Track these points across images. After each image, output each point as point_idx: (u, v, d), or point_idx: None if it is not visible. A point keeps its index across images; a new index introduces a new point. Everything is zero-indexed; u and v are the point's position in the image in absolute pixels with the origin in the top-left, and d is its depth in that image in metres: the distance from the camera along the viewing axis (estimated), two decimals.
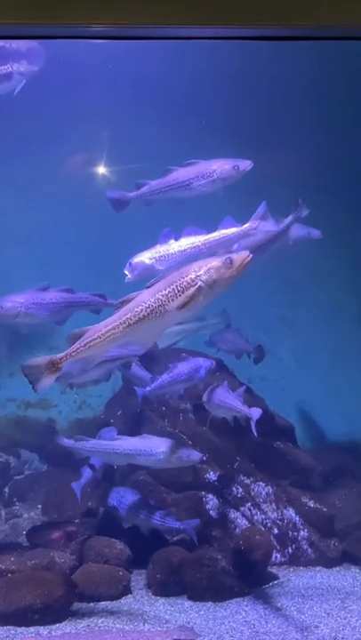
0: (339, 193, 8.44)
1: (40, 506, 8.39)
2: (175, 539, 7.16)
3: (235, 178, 6.37)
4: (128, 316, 4.62)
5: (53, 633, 5.88)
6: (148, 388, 7.32)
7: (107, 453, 6.90)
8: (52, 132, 8.72)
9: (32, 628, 5.95)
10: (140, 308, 4.61)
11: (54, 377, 4.73)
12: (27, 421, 9.45)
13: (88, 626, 6.02)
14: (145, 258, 6.53)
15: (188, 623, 6.04)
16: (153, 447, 6.72)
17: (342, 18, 3.89)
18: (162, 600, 6.60)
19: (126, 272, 6.61)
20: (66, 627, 6.02)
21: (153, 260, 6.50)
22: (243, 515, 7.48)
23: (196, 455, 6.75)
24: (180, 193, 6.55)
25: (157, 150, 7.16)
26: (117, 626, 6.02)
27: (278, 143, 7.02)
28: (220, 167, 6.23)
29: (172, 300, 4.55)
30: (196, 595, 6.58)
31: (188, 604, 6.51)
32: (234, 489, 7.60)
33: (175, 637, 5.69)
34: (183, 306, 4.52)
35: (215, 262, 4.52)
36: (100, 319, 4.86)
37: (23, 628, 5.95)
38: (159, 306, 4.58)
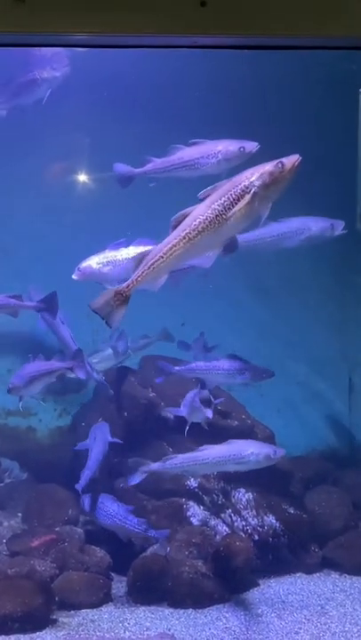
0: (316, 199, 8.47)
1: (20, 514, 8.35)
2: (152, 548, 7.14)
3: (240, 159, 6.32)
4: (188, 231, 4.50)
5: None
6: (177, 368, 7.35)
7: (198, 465, 6.87)
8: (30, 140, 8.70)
9: (12, 637, 5.94)
10: (199, 221, 4.49)
11: (124, 308, 4.62)
12: (6, 429, 9.40)
13: (68, 634, 6.02)
14: (93, 262, 6.75)
15: (169, 630, 6.05)
16: (242, 451, 6.76)
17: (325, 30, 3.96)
18: (142, 607, 6.60)
19: (74, 276, 6.80)
20: (46, 635, 6.00)
21: (100, 265, 6.71)
22: (223, 521, 7.50)
23: (281, 451, 6.84)
24: (183, 173, 6.55)
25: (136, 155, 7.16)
26: (98, 634, 6.02)
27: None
28: (225, 148, 6.16)
29: (229, 208, 4.46)
30: (177, 601, 6.59)
31: (168, 610, 6.51)
32: (214, 496, 7.62)
33: None
34: (240, 213, 4.45)
35: (267, 167, 4.44)
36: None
37: (3, 636, 5.93)
38: (217, 216, 4.47)
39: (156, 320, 9.07)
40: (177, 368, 7.45)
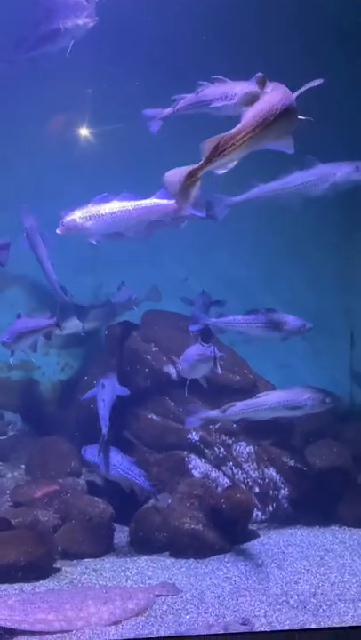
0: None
1: (23, 466, 8.44)
2: (154, 499, 7.21)
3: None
4: (255, 124, 4.38)
5: (37, 589, 5.96)
6: (213, 320, 7.40)
7: (256, 412, 7.00)
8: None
9: (16, 585, 6.02)
10: (262, 116, 4.37)
11: (195, 189, 4.53)
12: (9, 383, 9.45)
13: (71, 583, 6.11)
14: (76, 216, 6.73)
15: (170, 579, 6.13)
16: (299, 396, 6.94)
17: None
18: (144, 557, 6.70)
19: (58, 231, 6.81)
20: (49, 583, 6.09)
21: (84, 220, 6.70)
22: (224, 474, 7.57)
23: (334, 396, 7.05)
24: (207, 111, 6.44)
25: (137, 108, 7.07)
26: (100, 582, 6.11)
27: None
28: (242, 90, 6.00)
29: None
30: (178, 552, 6.69)
31: (170, 560, 6.61)
32: (216, 449, 7.68)
33: (157, 593, 5.79)
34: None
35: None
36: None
37: (7, 584, 6.02)
38: (291, 103, 4.42)
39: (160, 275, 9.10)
40: (213, 320, 7.45)
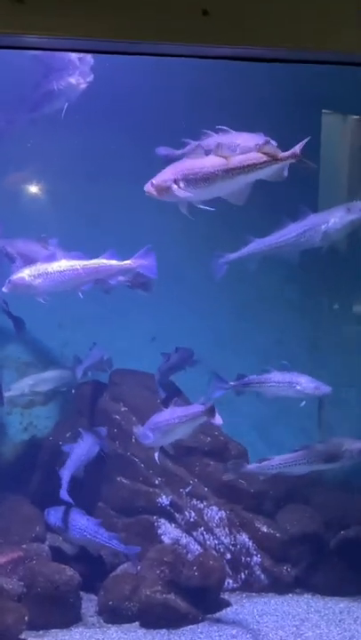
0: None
1: None
2: (123, 566, 7.00)
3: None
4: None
5: None
6: (233, 383, 7.38)
7: (293, 466, 7.04)
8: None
9: None
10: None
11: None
12: None
13: None
14: (25, 274, 6.63)
15: None
16: (336, 448, 7.10)
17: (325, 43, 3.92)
18: (114, 628, 6.46)
19: (4, 289, 6.69)
20: None
21: (32, 278, 6.60)
22: (195, 540, 7.39)
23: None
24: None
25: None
26: None
27: None
28: (243, 142, 5.90)
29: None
30: (150, 622, 6.46)
31: (141, 631, 6.38)
32: (187, 513, 7.50)
33: None
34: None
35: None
36: None
37: None
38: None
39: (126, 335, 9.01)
40: (232, 383, 7.38)
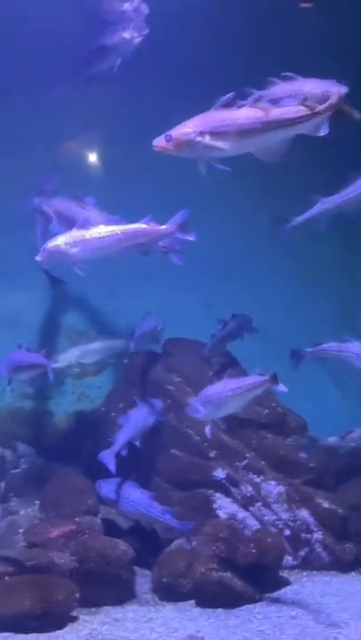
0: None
1: (37, 502, 7.97)
2: (177, 541, 6.77)
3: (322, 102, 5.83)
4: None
5: None
6: (310, 349, 7.13)
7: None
8: None
9: (30, 636, 5.56)
10: None
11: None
12: (23, 413, 9.04)
13: (90, 634, 5.62)
14: (60, 242, 6.19)
15: (198, 632, 5.63)
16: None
17: None
18: (169, 606, 6.23)
19: (38, 258, 6.25)
20: (67, 634, 5.62)
21: (68, 246, 6.15)
22: (253, 515, 7.10)
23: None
24: None
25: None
26: (122, 634, 5.62)
27: None
28: (313, 88, 5.34)
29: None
30: (205, 600, 6.20)
31: (196, 610, 6.13)
32: (243, 487, 7.21)
33: None
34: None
35: None
36: None
37: (21, 635, 5.55)
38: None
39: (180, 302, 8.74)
40: (309, 349, 7.09)
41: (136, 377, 8.10)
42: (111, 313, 9.27)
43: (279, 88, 5.28)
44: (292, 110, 4.83)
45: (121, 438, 6.97)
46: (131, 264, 7.11)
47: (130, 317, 8.79)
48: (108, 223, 6.19)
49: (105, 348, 8.39)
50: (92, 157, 8.93)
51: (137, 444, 7.11)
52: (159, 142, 4.90)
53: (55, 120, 8.46)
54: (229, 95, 4.92)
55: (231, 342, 8.01)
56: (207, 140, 4.82)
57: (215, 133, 4.82)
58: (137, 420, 7.18)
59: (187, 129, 4.86)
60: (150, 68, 7.91)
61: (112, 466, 6.83)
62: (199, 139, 4.83)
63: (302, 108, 4.83)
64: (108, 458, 6.87)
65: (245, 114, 4.84)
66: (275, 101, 5.02)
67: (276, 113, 4.83)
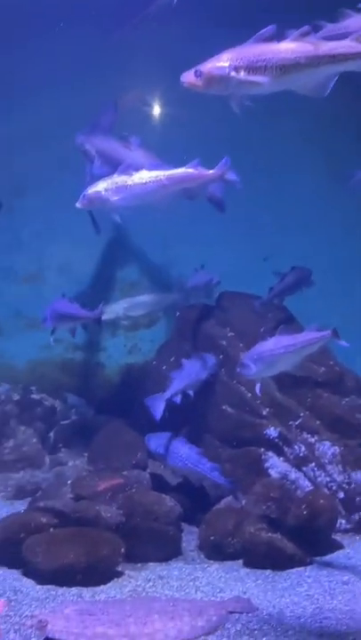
0: None
1: (86, 454, 7.90)
2: (226, 499, 6.61)
3: None
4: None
5: (97, 597, 5.37)
6: None
7: None
8: None
9: (73, 589, 5.46)
10: None
11: None
12: (73, 364, 8.96)
13: (135, 591, 5.50)
14: (101, 188, 5.94)
15: (245, 593, 5.46)
16: None
17: None
18: (215, 565, 6.06)
19: (78, 204, 6.05)
20: (110, 590, 5.51)
21: (109, 192, 5.92)
22: (305, 476, 6.87)
23: None
24: None
25: None
26: (167, 592, 5.49)
27: None
28: None
29: None
30: (253, 561, 6.00)
31: (244, 571, 5.94)
32: (296, 447, 6.97)
33: (230, 609, 5.13)
34: None
35: None
36: None
37: (64, 588, 5.47)
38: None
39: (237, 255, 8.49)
40: None
41: (188, 330, 7.88)
42: (165, 265, 9.06)
43: (354, 21, 4.85)
44: (345, 45, 4.41)
45: (174, 386, 6.83)
46: (187, 217, 6.86)
47: (184, 269, 8.58)
48: (151, 167, 5.92)
49: (153, 301, 8.20)
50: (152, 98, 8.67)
51: (190, 393, 6.95)
52: (188, 77, 4.48)
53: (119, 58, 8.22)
54: (270, 27, 4.47)
55: (290, 295, 7.73)
56: (242, 75, 4.40)
57: (253, 68, 4.36)
58: (191, 370, 7.01)
59: (220, 63, 4.40)
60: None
61: (158, 412, 6.68)
62: (233, 74, 4.38)
63: (357, 44, 4.40)
64: (155, 403, 6.72)
65: (288, 47, 4.39)
66: (339, 37, 4.60)
67: (327, 47, 4.41)
